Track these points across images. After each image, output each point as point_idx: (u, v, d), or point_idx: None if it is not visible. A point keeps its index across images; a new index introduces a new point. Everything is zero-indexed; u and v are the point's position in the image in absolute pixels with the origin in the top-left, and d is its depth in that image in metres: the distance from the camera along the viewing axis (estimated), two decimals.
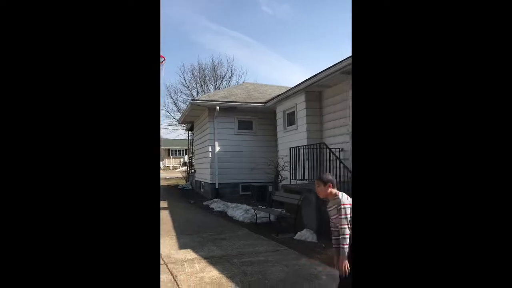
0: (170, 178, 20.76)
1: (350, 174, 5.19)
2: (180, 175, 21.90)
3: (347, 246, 2.41)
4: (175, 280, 3.60)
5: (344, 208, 2.45)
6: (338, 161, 5.63)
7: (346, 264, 2.40)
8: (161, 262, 4.20)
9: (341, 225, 2.43)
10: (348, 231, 2.42)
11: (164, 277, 3.66)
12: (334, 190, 2.54)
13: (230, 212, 8.03)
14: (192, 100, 12.79)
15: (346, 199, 2.50)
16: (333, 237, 2.65)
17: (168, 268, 3.98)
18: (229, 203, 8.99)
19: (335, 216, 2.52)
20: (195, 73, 26.96)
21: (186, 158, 21.76)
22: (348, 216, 2.44)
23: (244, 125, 10.83)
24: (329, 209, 2.59)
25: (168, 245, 5.12)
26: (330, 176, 2.59)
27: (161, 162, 30.94)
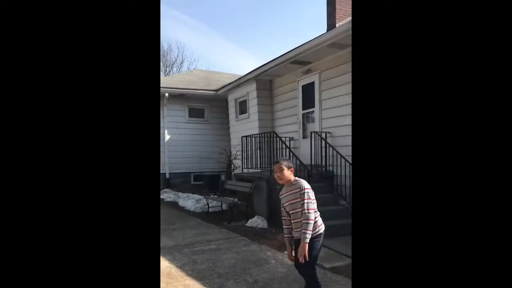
0: None
1: (298, 162, 5.38)
2: None
3: (310, 232, 2.31)
4: None
5: (307, 192, 2.38)
6: (288, 150, 5.79)
7: (305, 250, 2.31)
8: None
9: (306, 209, 2.34)
10: (313, 216, 2.33)
11: None
12: (293, 176, 2.53)
13: (181, 202, 7.90)
14: None
15: (306, 184, 2.45)
16: (285, 226, 2.57)
17: None
18: (180, 193, 8.83)
19: (292, 201, 2.43)
20: None
21: None
22: (312, 200, 2.39)
23: (196, 113, 10.60)
24: (285, 194, 2.51)
25: None
26: (290, 162, 2.60)
27: None
